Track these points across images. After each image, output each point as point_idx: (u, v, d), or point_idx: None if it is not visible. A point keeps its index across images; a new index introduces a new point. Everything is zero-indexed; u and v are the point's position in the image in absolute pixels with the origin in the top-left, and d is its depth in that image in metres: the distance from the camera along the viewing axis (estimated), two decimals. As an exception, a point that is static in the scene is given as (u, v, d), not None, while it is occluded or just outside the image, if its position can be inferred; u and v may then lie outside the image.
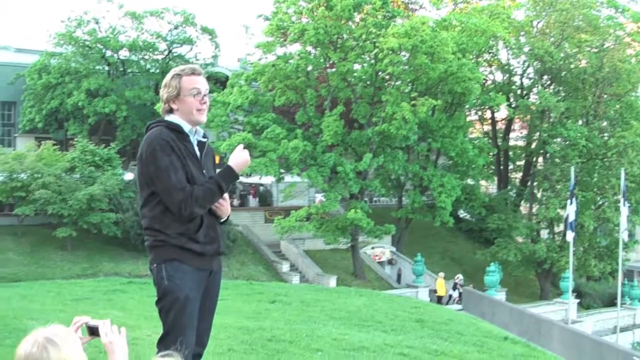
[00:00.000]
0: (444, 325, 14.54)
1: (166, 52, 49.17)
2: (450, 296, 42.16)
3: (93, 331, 3.61)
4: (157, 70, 47.78)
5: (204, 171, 5.28)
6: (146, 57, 48.46)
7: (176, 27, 48.73)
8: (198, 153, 5.32)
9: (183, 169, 5.12)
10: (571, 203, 39.71)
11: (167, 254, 5.15)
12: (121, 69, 48.24)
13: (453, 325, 14.82)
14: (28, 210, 37.14)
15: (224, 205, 5.37)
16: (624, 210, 41.25)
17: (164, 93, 5.31)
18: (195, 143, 5.34)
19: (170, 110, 5.31)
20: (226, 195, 5.37)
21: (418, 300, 24.25)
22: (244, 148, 5.50)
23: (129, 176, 41.79)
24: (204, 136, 5.47)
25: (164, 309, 5.15)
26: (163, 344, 5.07)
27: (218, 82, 49.48)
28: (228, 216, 5.49)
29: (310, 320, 13.53)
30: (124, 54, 47.93)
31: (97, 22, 46.53)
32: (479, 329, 15.20)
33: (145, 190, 5.21)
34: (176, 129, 5.22)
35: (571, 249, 40.58)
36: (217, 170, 5.50)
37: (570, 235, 39.77)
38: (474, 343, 13.16)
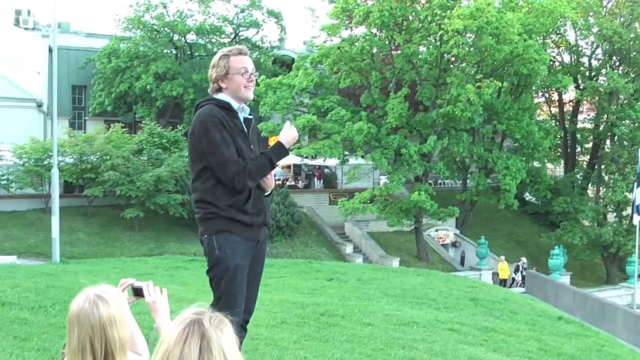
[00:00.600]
0: (498, 304, 14.61)
1: (233, 36, 49.52)
2: (514, 279, 41.99)
3: (137, 292, 3.92)
4: (224, 54, 48.18)
5: (251, 146, 5.54)
6: (213, 40, 48.83)
7: (242, 11, 49.01)
8: (245, 129, 5.57)
9: (234, 144, 5.41)
10: (638, 186, 39.14)
11: (218, 225, 5.47)
12: (188, 53, 48.75)
13: (507, 304, 14.88)
14: (97, 191, 37.98)
15: (269, 179, 5.64)
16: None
17: (212, 73, 5.60)
18: (242, 120, 5.60)
19: (219, 89, 5.58)
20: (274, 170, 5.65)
21: (475, 280, 24.23)
22: (291, 125, 5.77)
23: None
24: (250, 113, 5.74)
25: (215, 277, 5.50)
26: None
27: (284, 64, 49.78)
28: (272, 190, 5.76)
29: (364, 297, 13.74)
30: (191, 37, 48.37)
31: (164, 7, 47.03)
32: (534, 309, 15.24)
33: (198, 165, 5.53)
34: (225, 107, 5.49)
35: (637, 232, 40.01)
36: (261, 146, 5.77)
37: (636, 219, 39.16)
38: (526, 321, 13.23)
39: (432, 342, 10.29)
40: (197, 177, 5.56)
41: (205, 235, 5.54)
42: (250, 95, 5.62)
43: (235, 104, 5.56)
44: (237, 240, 5.48)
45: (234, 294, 5.40)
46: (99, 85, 46.72)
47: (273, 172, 5.68)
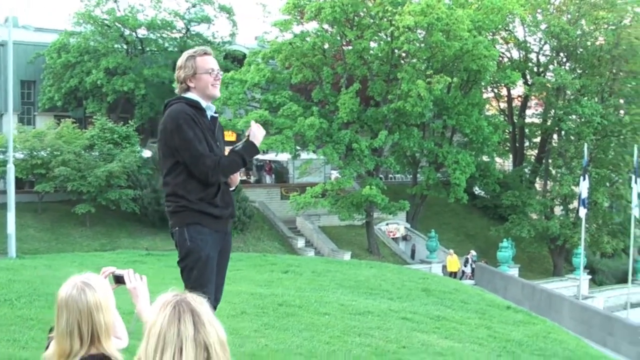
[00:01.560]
0: (449, 295, 15.03)
1: (184, 31, 49.51)
2: (463, 272, 42.64)
3: (119, 279, 4.20)
4: (175, 49, 48.11)
5: (217, 143, 5.83)
6: (164, 35, 48.78)
7: (194, 6, 49.02)
8: (212, 127, 5.87)
9: (205, 140, 5.67)
10: (584, 180, 39.99)
11: (189, 218, 5.74)
12: (139, 48, 48.62)
13: (458, 294, 15.31)
14: (48, 187, 37.75)
15: (235, 175, 5.94)
16: (635, 187, 41.50)
17: (180, 74, 5.86)
18: (209, 118, 5.88)
19: (188, 89, 5.83)
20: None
21: (427, 272, 24.71)
22: (257, 123, 6.09)
23: (147, 153, 42.36)
24: (216, 112, 6.03)
25: (187, 267, 5.74)
26: None
27: (235, 60, 49.86)
28: (236, 185, 6.06)
29: (320, 288, 14.06)
30: (142, 32, 48.23)
31: (115, 1, 46.86)
32: (484, 299, 15.68)
33: (169, 160, 5.77)
34: (194, 105, 5.75)
35: (583, 225, 40.89)
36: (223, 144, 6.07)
37: (582, 212, 40.08)
38: (476, 310, 13.66)
39: (387, 329, 10.67)
40: (169, 172, 5.79)
41: (177, 228, 5.78)
42: (217, 93, 5.88)
43: (203, 103, 5.81)
44: (207, 232, 5.74)
45: (204, 283, 5.66)
46: (49, 81, 46.44)
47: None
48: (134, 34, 47.87)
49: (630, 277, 42.12)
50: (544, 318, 16.04)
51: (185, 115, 5.65)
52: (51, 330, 3.65)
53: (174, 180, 5.76)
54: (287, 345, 9.06)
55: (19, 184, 40.61)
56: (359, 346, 9.41)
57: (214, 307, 5.97)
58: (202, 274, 5.66)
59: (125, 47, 48.03)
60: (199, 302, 2.84)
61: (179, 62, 5.87)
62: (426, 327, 11.30)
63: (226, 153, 5.85)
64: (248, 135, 5.96)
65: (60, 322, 3.45)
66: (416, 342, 10.02)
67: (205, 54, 5.84)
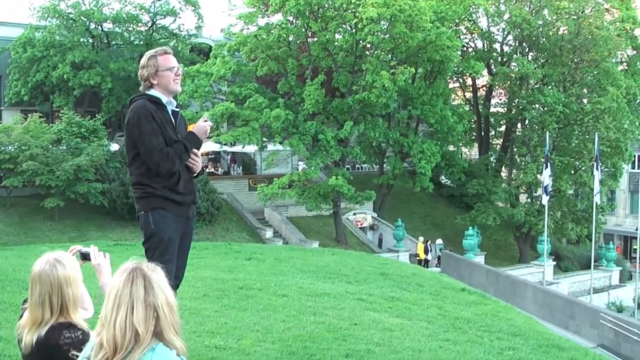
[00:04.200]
0: (405, 278, 15.50)
1: (150, 24, 49.53)
2: (427, 260, 43.26)
3: (85, 256, 4.74)
4: (141, 42, 48.22)
5: (178, 135, 6.32)
6: (130, 29, 48.75)
7: (159, -1, 49.19)
8: (173, 120, 6.33)
9: (162, 134, 6.22)
10: (546, 167, 40.72)
11: (153, 203, 6.33)
12: (105, 42, 48.64)
13: (415, 278, 15.79)
14: (16, 181, 37.73)
15: (197, 162, 6.45)
16: (597, 174, 42.30)
17: (144, 72, 6.42)
18: (170, 112, 6.36)
19: (151, 86, 6.34)
20: (198, 153, 6.43)
21: (387, 258, 25.21)
22: (206, 120, 6.58)
23: (114, 147, 42.51)
24: (177, 106, 6.60)
25: (150, 247, 6.34)
26: None
27: (201, 52, 50.07)
28: (199, 172, 6.54)
29: (280, 273, 14.51)
30: (107, 26, 48.18)
31: (80, -5, 46.88)
32: (440, 282, 16.16)
33: (132, 152, 6.40)
34: (156, 101, 6.27)
35: (547, 212, 41.66)
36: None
37: (545, 199, 40.82)
38: (430, 292, 14.15)
39: (341, 309, 11.18)
40: (132, 162, 6.40)
41: (142, 212, 6.36)
42: (179, 88, 6.45)
43: (164, 99, 6.35)
44: (170, 216, 6.31)
45: (165, 263, 6.13)
46: (15, 75, 46.38)
47: (199, 153, 6.48)
48: (99, 27, 47.85)
49: (592, 263, 42.96)
50: (497, 299, 16.61)
51: (145, 110, 6.20)
52: (25, 301, 4.17)
53: (137, 170, 6.36)
54: (245, 323, 9.57)
55: (-14, 179, 40.76)
56: (312, 324, 9.90)
57: (175, 286, 6.49)
58: (163, 254, 6.16)
59: (91, 41, 48.01)
60: (152, 269, 3.34)
61: (142, 61, 6.42)
62: (379, 307, 11.81)
63: None
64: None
65: (33, 294, 3.97)
66: (367, 320, 10.52)
67: (166, 53, 6.41)
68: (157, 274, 3.32)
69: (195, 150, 6.42)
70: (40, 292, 3.92)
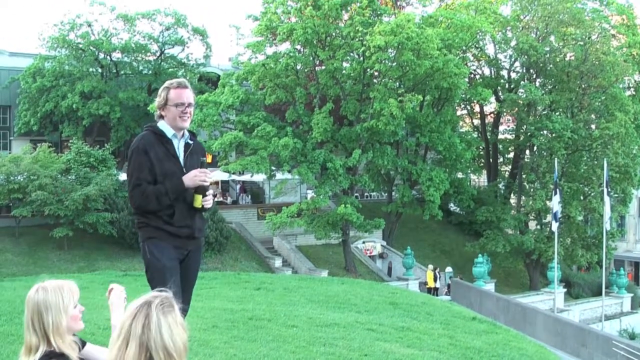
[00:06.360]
0: (416, 307, 15.40)
1: (158, 54, 49.78)
2: (437, 288, 43.05)
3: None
4: (150, 72, 48.46)
5: (184, 169, 6.28)
6: (139, 58, 48.99)
7: (168, 29, 49.30)
8: (180, 153, 6.34)
9: (151, 169, 6.18)
10: (555, 194, 40.60)
11: (148, 233, 6.32)
12: (114, 71, 48.85)
13: (425, 307, 15.69)
14: (25, 211, 37.79)
15: (208, 200, 6.38)
16: (607, 200, 42.15)
17: (156, 101, 6.38)
18: (178, 145, 6.37)
19: (162, 117, 6.28)
20: (210, 191, 6.40)
21: (397, 287, 25.10)
22: (202, 171, 6.34)
23: (123, 176, 42.52)
24: (191, 139, 6.49)
25: (149, 277, 6.34)
26: None
27: (210, 81, 50.17)
28: (202, 207, 6.41)
29: (290, 303, 14.43)
30: (116, 56, 48.46)
31: (89, 25, 47.04)
32: (450, 311, 16.06)
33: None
34: (160, 134, 6.19)
35: (556, 239, 41.49)
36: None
37: (555, 226, 40.66)
38: (441, 322, 14.05)
39: (351, 339, 11.09)
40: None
41: (141, 242, 6.39)
42: (184, 125, 6.28)
43: (170, 132, 6.28)
44: (165, 246, 6.26)
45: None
46: (24, 105, 46.58)
47: (210, 192, 6.38)
48: (108, 57, 48.09)
49: (603, 290, 42.73)
50: (508, 328, 16.48)
51: (139, 143, 6.24)
52: None
53: None
54: (254, 354, 9.49)
55: (-4, 208, 40.86)
56: (322, 355, 9.82)
57: None
58: (164, 283, 6.10)
59: (100, 70, 48.23)
60: (162, 308, 3.17)
61: (160, 90, 6.34)
62: (390, 337, 11.73)
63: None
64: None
65: (24, 317, 3.98)
66: (378, 351, 10.44)
67: (179, 87, 6.26)
68: (162, 315, 3.18)
69: (209, 188, 6.37)
70: (26, 316, 3.97)
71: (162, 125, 6.27)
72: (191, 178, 6.20)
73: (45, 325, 3.92)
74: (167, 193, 6.19)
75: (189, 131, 6.50)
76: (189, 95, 6.26)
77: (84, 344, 4.34)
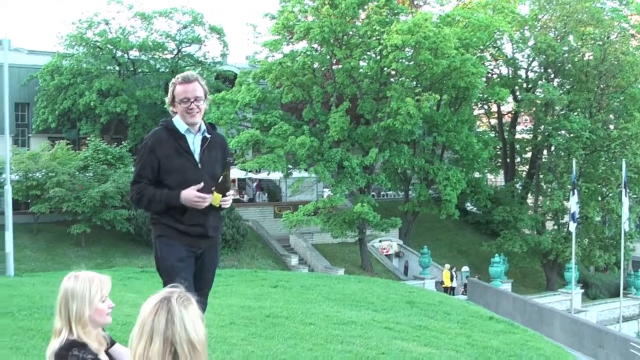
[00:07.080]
0: (433, 306, 15.38)
1: (175, 52, 49.89)
2: (453, 288, 42.97)
3: None
4: (167, 70, 48.53)
5: (199, 164, 6.18)
6: (156, 56, 49.11)
7: (185, 27, 49.39)
8: (196, 148, 6.21)
9: (154, 167, 6.12)
10: (573, 194, 40.40)
11: (158, 230, 6.28)
12: (131, 69, 48.98)
13: (442, 306, 15.67)
14: (43, 208, 38.03)
15: (227, 201, 6.25)
16: (626, 200, 41.91)
17: (167, 98, 6.31)
18: (193, 140, 6.21)
19: (175, 112, 6.25)
20: (230, 193, 6.27)
21: (413, 286, 25.07)
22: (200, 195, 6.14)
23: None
24: (209, 132, 6.32)
25: (160, 274, 6.31)
26: None
27: (227, 80, 50.22)
28: (219, 206, 6.29)
29: (307, 301, 14.45)
30: (134, 54, 48.58)
31: (107, 23, 47.20)
32: (467, 310, 16.03)
33: None
34: (172, 129, 6.17)
35: (574, 239, 41.27)
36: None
37: (572, 226, 40.46)
38: (458, 321, 14.02)
39: (368, 338, 11.08)
40: None
41: (152, 238, 6.36)
42: (193, 120, 6.14)
43: (183, 127, 6.16)
44: (174, 244, 6.18)
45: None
46: (42, 103, 46.73)
47: (231, 192, 6.32)
48: (125, 55, 48.22)
49: (621, 291, 42.50)
50: (525, 328, 16.43)
51: (148, 139, 6.24)
52: None
53: None
54: (272, 352, 9.48)
55: (15, 205, 40.74)
56: (340, 353, 9.81)
57: None
58: (172, 280, 6.09)
59: (117, 68, 48.36)
60: (182, 302, 3.17)
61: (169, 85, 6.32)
62: (407, 336, 11.71)
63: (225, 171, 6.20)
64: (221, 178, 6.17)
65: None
66: (395, 349, 10.41)
67: (184, 81, 6.12)
68: (184, 308, 3.16)
69: (229, 188, 6.26)
70: (57, 300, 4.04)
71: (176, 120, 6.18)
72: (189, 198, 6.05)
73: (69, 312, 3.99)
74: (160, 201, 6.11)
75: (209, 124, 6.40)
76: (194, 89, 6.08)
77: (113, 342, 4.35)
